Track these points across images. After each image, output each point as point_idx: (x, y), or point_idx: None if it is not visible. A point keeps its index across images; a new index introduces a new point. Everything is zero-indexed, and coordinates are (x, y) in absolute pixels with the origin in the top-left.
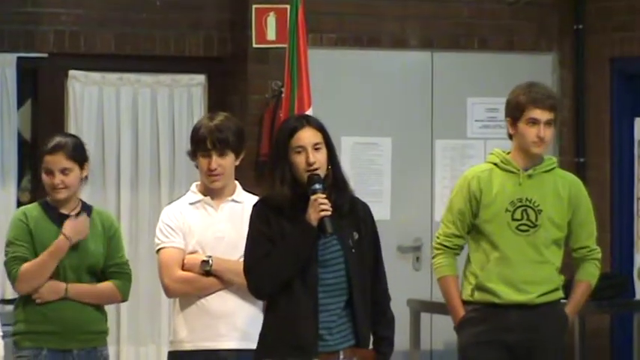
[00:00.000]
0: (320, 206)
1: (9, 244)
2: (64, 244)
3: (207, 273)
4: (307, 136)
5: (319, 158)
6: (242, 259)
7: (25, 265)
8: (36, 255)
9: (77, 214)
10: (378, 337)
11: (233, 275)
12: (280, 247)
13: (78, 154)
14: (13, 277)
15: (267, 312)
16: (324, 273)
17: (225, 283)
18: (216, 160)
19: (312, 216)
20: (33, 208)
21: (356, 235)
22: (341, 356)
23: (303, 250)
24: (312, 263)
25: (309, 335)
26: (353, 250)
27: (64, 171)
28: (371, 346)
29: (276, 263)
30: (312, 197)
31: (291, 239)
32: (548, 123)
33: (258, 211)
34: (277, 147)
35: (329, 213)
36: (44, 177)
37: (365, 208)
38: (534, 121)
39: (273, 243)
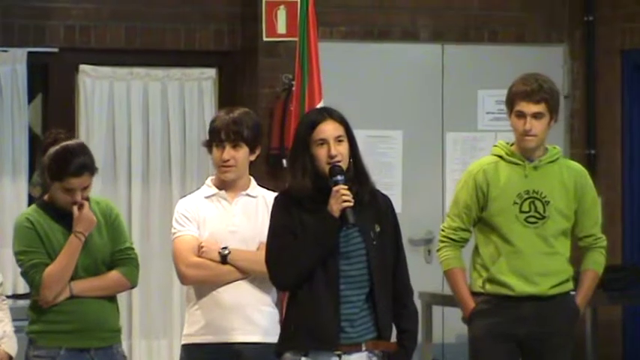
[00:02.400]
0: (342, 197)
1: (22, 252)
2: (77, 242)
3: (224, 260)
4: (329, 129)
5: (341, 151)
6: (258, 251)
7: (46, 271)
8: (50, 258)
9: (79, 207)
10: (400, 330)
11: (250, 264)
12: (302, 238)
13: (95, 167)
14: (36, 285)
15: (289, 304)
16: (345, 265)
17: (241, 272)
18: (228, 152)
19: (334, 207)
20: (34, 212)
21: (377, 228)
22: (363, 348)
23: (325, 241)
24: (334, 255)
25: (331, 327)
26: (374, 243)
27: (85, 188)
28: (393, 339)
29: (299, 254)
30: (334, 188)
31: (313, 230)
32: (536, 116)
33: (280, 203)
34: (298, 139)
35: (351, 204)
36: (61, 194)
37: (386, 201)
38: (521, 114)
39: (294, 235)
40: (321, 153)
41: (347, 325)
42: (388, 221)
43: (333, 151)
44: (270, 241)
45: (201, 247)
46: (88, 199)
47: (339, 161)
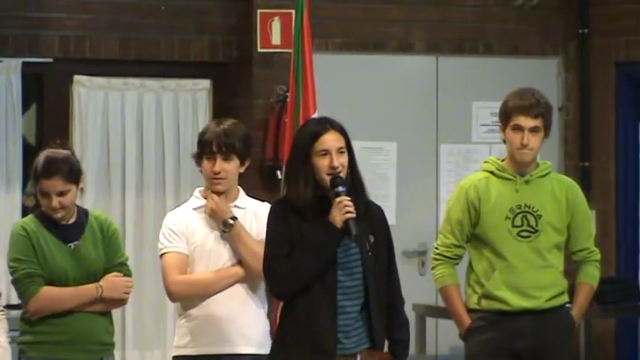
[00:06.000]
0: (345, 208)
1: (15, 260)
2: (92, 293)
3: (225, 225)
4: (332, 140)
5: (342, 162)
6: (260, 243)
7: (47, 291)
8: (41, 268)
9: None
10: (393, 340)
11: (246, 251)
12: (303, 248)
13: (74, 174)
14: (29, 294)
15: (284, 314)
16: (342, 275)
17: (234, 253)
18: (220, 164)
19: (337, 218)
20: (30, 221)
21: (372, 238)
22: (358, 358)
23: (327, 252)
24: (332, 266)
25: (329, 338)
26: (369, 253)
27: (61, 193)
28: (386, 349)
29: (299, 264)
30: (337, 199)
31: (315, 240)
32: (533, 130)
33: (277, 212)
34: (299, 149)
35: (354, 215)
36: (40, 198)
37: (379, 211)
38: (519, 128)
39: (292, 243)
40: (323, 163)
41: (342, 336)
42: (381, 232)
43: (336, 163)
44: (268, 249)
45: (212, 208)
46: (80, 212)
47: (339, 172)
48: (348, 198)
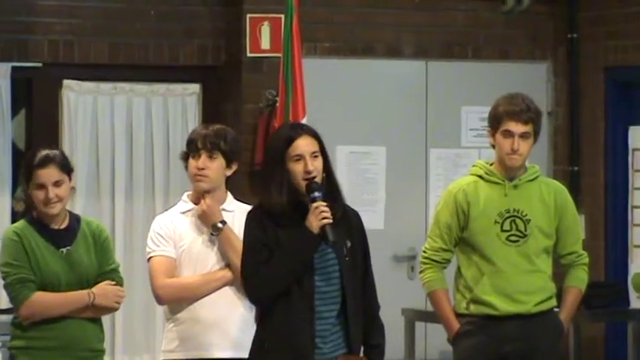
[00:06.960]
0: (321, 214)
1: (7, 265)
2: (84, 299)
3: (215, 229)
4: (305, 144)
5: (317, 166)
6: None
7: (39, 296)
8: (34, 273)
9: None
10: (369, 345)
11: (233, 252)
12: (281, 254)
13: (67, 164)
14: (20, 299)
15: (262, 319)
16: (319, 281)
17: (222, 256)
18: (204, 161)
19: (314, 224)
20: (22, 226)
21: (349, 243)
22: None
23: (304, 258)
24: (309, 271)
25: (306, 343)
26: (346, 258)
27: (56, 183)
28: (362, 354)
29: (277, 270)
30: (314, 205)
31: (291, 246)
32: (523, 136)
33: (254, 218)
34: (273, 155)
35: (330, 221)
36: (36, 192)
37: (355, 216)
38: (509, 133)
39: (269, 249)
40: (297, 168)
41: (319, 342)
42: (358, 236)
43: (310, 167)
44: (245, 256)
45: (204, 210)
46: (72, 217)
47: (314, 177)
48: (325, 203)
